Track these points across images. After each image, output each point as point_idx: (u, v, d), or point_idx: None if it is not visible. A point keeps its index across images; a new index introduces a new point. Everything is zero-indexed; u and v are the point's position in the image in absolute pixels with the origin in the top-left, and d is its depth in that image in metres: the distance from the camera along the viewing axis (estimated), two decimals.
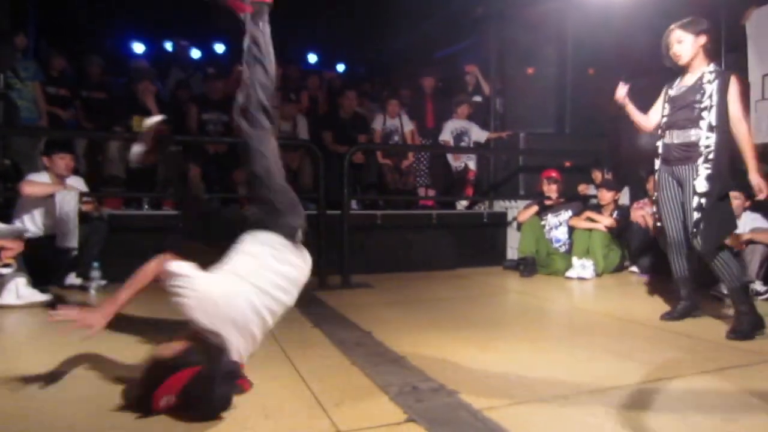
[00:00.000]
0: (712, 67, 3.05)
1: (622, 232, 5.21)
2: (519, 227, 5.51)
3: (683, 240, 3.15)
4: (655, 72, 6.06)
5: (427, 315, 3.47)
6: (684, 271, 3.26)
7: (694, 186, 2.98)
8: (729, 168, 2.98)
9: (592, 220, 5.16)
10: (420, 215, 5.81)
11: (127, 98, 5.74)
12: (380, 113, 6.59)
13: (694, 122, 3.03)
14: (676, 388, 2.12)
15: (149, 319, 3.30)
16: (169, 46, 8.45)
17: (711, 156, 2.95)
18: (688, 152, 3.05)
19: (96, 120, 5.72)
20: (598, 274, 4.95)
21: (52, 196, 4.09)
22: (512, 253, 5.74)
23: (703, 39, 3.05)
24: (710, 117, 2.97)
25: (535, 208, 5.42)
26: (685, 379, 2.22)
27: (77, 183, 4.42)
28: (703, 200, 2.94)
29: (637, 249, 5.21)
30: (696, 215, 2.94)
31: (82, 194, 4.25)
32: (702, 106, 3.01)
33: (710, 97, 2.98)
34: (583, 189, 5.93)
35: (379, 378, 2.18)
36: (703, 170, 2.96)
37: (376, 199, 6.10)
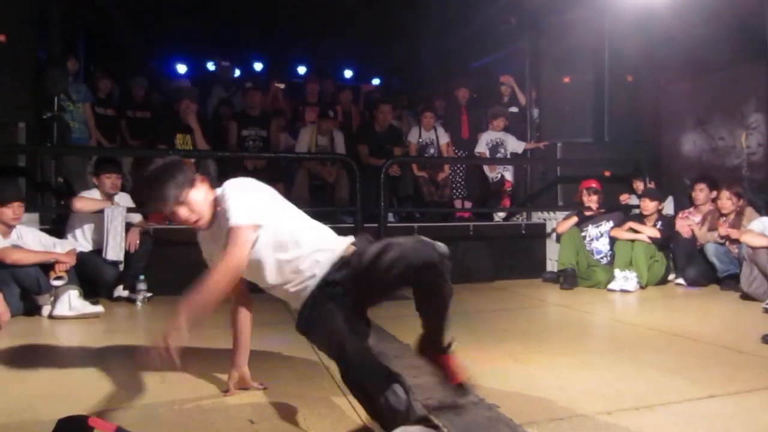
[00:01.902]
0: None
1: (667, 242, 5.07)
2: (558, 239, 5.43)
3: None
4: (697, 76, 5.96)
5: (465, 328, 3.44)
6: None
7: None
8: None
9: (635, 231, 5.03)
10: (457, 227, 5.79)
11: (169, 117, 5.94)
12: (415, 126, 6.62)
13: None
14: (726, 406, 2.04)
15: None
16: (211, 66, 8.71)
17: None
18: None
19: (141, 138, 5.94)
20: (642, 287, 4.82)
21: (101, 212, 4.27)
22: (552, 265, 5.65)
23: None
24: None
25: (574, 219, 5.33)
26: (736, 397, 2.14)
27: (124, 199, 4.61)
28: None
29: (683, 260, 5.06)
30: None
31: (128, 210, 4.43)
32: None
33: None
34: (625, 199, 5.80)
35: (419, 391, 2.17)
36: None
37: (413, 211, 6.11)
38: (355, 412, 1.98)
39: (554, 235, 5.73)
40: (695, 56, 5.79)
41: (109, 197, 4.47)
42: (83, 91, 5.71)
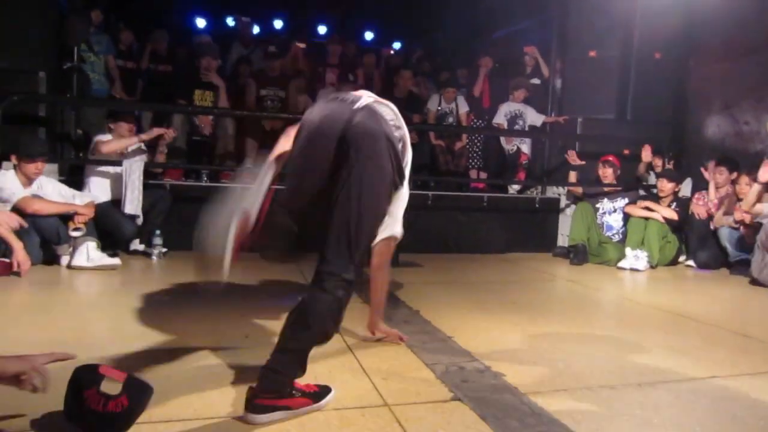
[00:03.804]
0: None
1: (682, 225, 5.04)
2: (575, 202, 5.47)
3: None
4: (728, 58, 5.81)
5: (475, 297, 3.49)
6: None
7: None
8: None
9: (650, 210, 5.01)
10: (471, 197, 5.79)
11: (190, 72, 5.92)
12: (435, 93, 6.55)
13: None
14: (729, 388, 2.08)
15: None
16: (230, 21, 8.61)
17: None
18: None
19: (160, 92, 5.94)
20: (653, 266, 4.82)
21: (119, 164, 4.30)
22: (563, 240, 5.66)
23: None
24: None
25: (579, 189, 5.43)
26: (739, 379, 2.17)
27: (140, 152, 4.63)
28: None
29: (695, 243, 5.04)
30: None
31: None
32: None
33: None
34: (642, 170, 5.74)
35: (426, 356, 2.23)
36: None
37: (428, 179, 6.11)
38: (364, 374, 2.04)
39: (567, 211, 5.73)
40: (728, 38, 5.64)
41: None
42: (105, 42, 5.69)
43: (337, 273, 1.66)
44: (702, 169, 5.38)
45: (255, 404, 1.61)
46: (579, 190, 5.54)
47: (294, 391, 1.67)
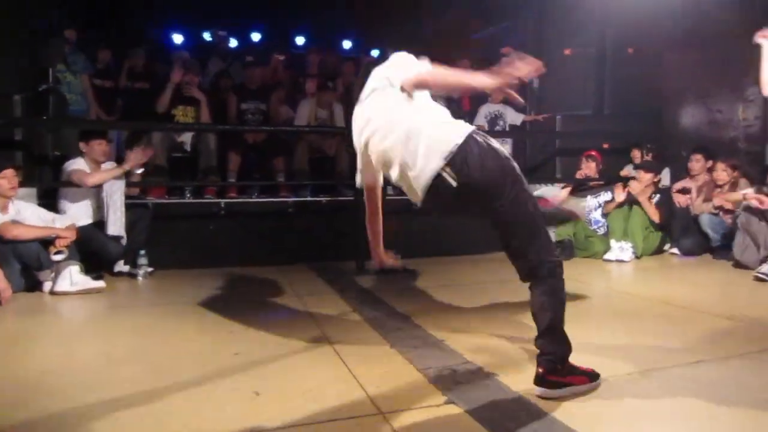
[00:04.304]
0: None
1: (668, 222, 5.08)
2: None
3: None
4: (697, 48, 5.91)
5: (464, 299, 3.50)
6: None
7: None
8: None
9: (637, 202, 5.04)
10: None
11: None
12: None
13: None
14: (715, 370, 2.12)
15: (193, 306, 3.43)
16: (207, 35, 8.59)
17: None
18: None
19: (139, 110, 5.89)
20: (638, 257, 4.88)
21: (99, 186, 4.24)
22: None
23: None
24: None
25: (568, 189, 5.39)
26: (726, 361, 2.21)
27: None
28: None
29: (678, 230, 5.11)
30: None
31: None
32: None
33: None
34: (626, 173, 5.82)
35: (418, 361, 2.24)
36: None
37: None
38: (357, 383, 2.04)
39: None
40: (696, 29, 5.74)
41: (98, 165, 4.35)
42: (81, 61, 5.63)
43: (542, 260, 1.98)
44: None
45: (547, 380, 1.87)
46: (568, 190, 5.50)
47: (574, 369, 1.93)
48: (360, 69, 8.00)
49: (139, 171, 3.73)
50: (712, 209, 4.87)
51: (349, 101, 6.82)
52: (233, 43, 8.52)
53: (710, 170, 5.09)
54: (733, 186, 4.81)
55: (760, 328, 2.68)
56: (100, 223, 4.24)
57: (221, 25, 8.17)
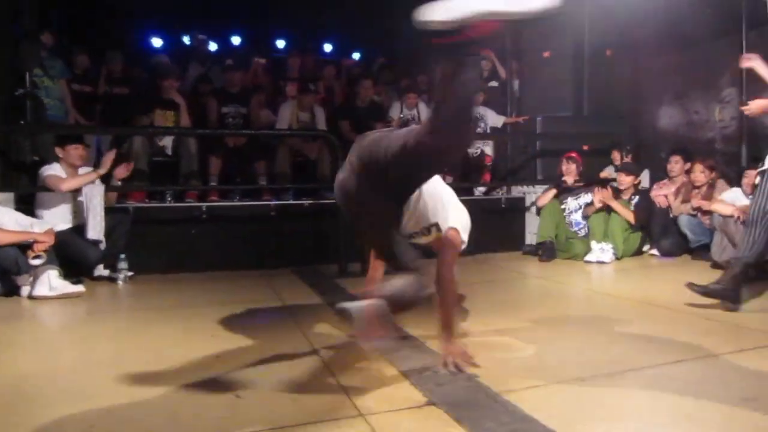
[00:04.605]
0: None
1: (647, 223, 5.15)
2: (538, 212, 5.52)
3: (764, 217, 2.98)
4: (675, 51, 6.02)
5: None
6: (747, 251, 3.05)
7: None
8: None
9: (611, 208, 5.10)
10: None
11: (149, 93, 5.84)
12: (397, 101, 6.60)
13: None
14: (693, 370, 2.14)
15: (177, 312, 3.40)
16: (186, 39, 8.53)
17: None
18: None
19: (119, 115, 5.84)
20: (618, 258, 4.94)
21: (78, 190, 4.21)
22: (531, 238, 5.75)
23: None
24: None
25: (553, 192, 5.42)
26: (704, 360, 2.24)
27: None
28: None
29: (658, 231, 5.18)
30: None
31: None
32: None
33: None
34: (606, 175, 5.89)
35: (400, 363, 2.24)
36: None
37: None
38: (338, 385, 2.04)
39: (533, 209, 5.82)
40: (673, 31, 5.85)
41: (74, 170, 4.31)
42: (59, 66, 5.55)
43: None
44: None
45: None
46: (553, 192, 5.52)
47: None
48: (341, 72, 7.99)
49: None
50: (691, 210, 4.95)
51: (331, 104, 6.86)
52: (213, 46, 8.48)
53: (688, 172, 5.16)
54: (711, 187, 4.89)
55: (736, 329, 2.72)
56: (79, 228, 4.20)
57: (201, 29, 8.12)
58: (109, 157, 4.47)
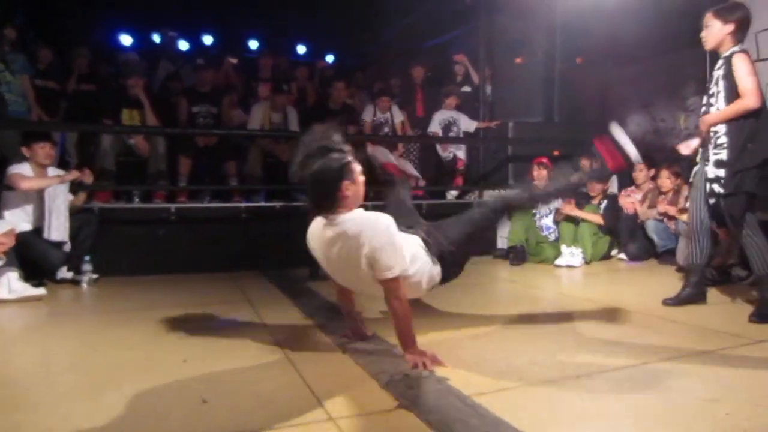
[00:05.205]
0: (728, 52, 2.96)
1: (615, 226, 5.24)
2: (509, 216, 5.55)
3: (702, 226, 3.19)
4: (643, 60, 6.16)
5: (417, 304, 3.49)
6: (698, 258, 3.26)
7: (705, 172, 3.06)
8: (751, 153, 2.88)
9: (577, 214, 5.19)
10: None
11: (116, 91, 5.71)
12: (370, 104, 6.60)
13: (708, 109, 3.07)
14: (660, 372, 2.17)
15: (142, 314, 3.33)
16: (157, 37, 8.38)
17: (720, 141, 2.98)
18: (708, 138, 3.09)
19: (85, 112, 5.69)
20: (587, 262, 5.02)
21: (41, 190, 4.08)
22: (502, 243, 5.79)
23: (731, 27, 2.96)
24: (718, 103, 2.99)
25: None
26: (670, 362, 2.28)
27: (56, 173, 4.38)
28: (714, 186, 3.00)
29: (625, 236, 5.28)
30: (710, 200, 3.07)
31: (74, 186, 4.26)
32: (711, 92, 3.05)
33: (716, 83, 3.00)
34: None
35: (370, 366, 2.22)
36: (713, 156, 3.01)
37: (366, 190, 6.11)
38: (308, 389, 2.01)
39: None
40: (642, 40, 5.98)
41: (43, 169, 4.20)
42: (21, 61, 5.37)
43: None
44: None
45: None
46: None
47: None
48: (313, 74, 7.98)
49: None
50: (657, 216, 5.05)
51: (303, 105, 6.82)
52: (184, 45, 8.34)
53: (654, 178, 5.28)
54: (676, 193, 5.01)
55: (701, 331, 2.78)
56: (42, 229, 4.07)
57: (173, 27, 7.98)
58: (73, 172, 4.34)
